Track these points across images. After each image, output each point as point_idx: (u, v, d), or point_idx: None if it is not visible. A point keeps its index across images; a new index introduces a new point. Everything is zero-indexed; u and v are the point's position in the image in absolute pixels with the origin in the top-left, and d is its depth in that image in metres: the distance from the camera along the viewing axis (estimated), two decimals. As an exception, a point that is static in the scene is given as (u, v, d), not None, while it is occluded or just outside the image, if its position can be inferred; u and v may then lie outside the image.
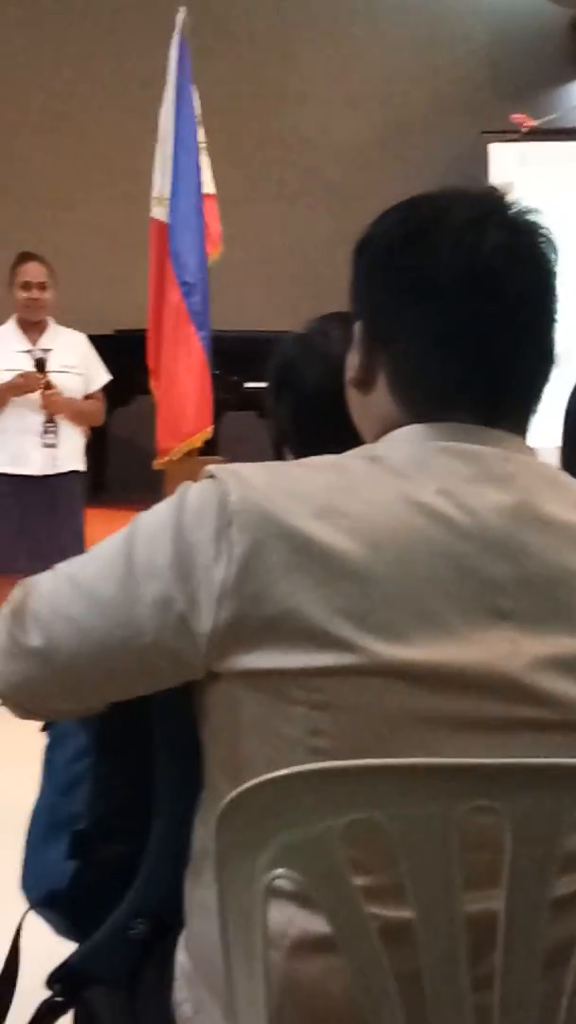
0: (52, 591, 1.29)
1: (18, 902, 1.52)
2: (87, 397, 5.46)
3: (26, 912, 1.50)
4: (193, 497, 1.22)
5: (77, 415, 5.37)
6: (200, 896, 1.26)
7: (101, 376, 5.54)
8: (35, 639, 1.27)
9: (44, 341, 5.35)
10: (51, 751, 1.54)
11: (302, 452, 1.36)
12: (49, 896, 1.46)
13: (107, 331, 8.01)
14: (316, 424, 1.50)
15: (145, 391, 6.72)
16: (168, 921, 1.35)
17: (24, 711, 1.35)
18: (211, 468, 1.24)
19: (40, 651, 1.27)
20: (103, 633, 1.23)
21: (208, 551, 1.18)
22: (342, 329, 1.44)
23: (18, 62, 9.42)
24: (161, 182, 6.55)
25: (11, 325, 5.40)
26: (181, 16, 6.52)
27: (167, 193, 6.46)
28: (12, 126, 9.42)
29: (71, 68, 9.47)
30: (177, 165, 6.44)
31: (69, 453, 5.35)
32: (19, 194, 9.26)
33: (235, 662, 1.18)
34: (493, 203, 1.29)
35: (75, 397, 5.36)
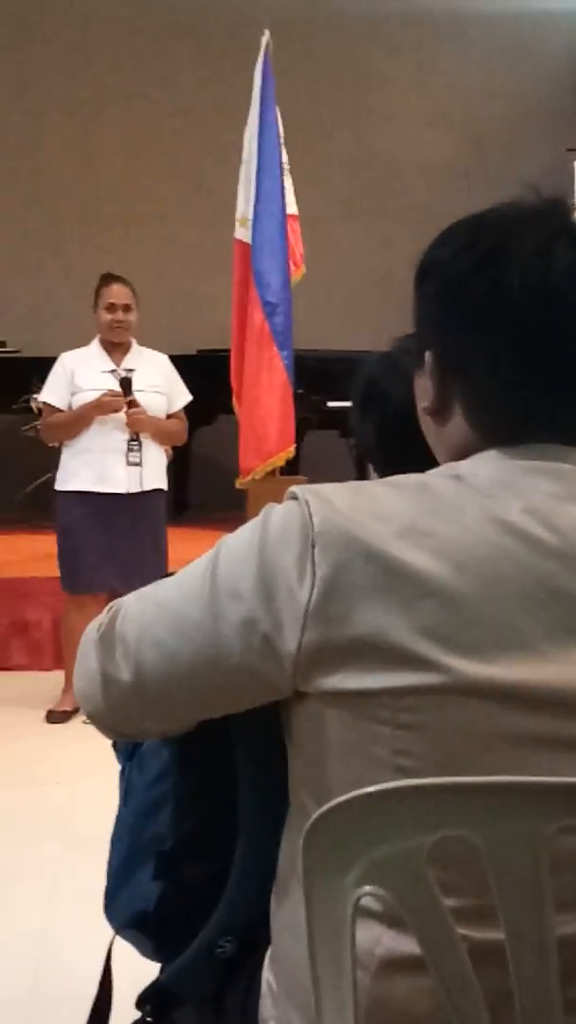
0: (139, 614, 1.29)
1: (103, 922, 1.52)
2: (169, 417, 5.49)
3: (115, 936, 1.50)
4: (276, 519, 1.22)
5: (160, 434, 5.41)
6: (287, 915, 1.26)
7: (183, 396, 5.58)
8: (123, 662, 1.28)
9: (128, 361, 5.40)
10: (130, 773, 1.54)
11: (387, 470, 1.36)
12: (136, 917, 1.46)
13: (190, 351, 8.07)
14: (401, 442, 1.49)
15: (228, 411, 6.75)
16: (255, 939, 1.35)
17: (114, 732, 1.36)
18: (294, 489, 1.24)
19: (128, 674, 1.27)
20: (189, 655, 1.24)
21: (292, 573, 1.18)
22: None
23: (104, 85, 9.53)
24: (245, 203, 6.59)
25: (95, 346, 5.45)
26: (265, 38, 6.57)
27: (250, 214, 6.50)
28: (98, 149, 9.53)
29: (156, 92, 9.56)
30: (260, 186, 6.47)
31: (153, 472, 5.39)
32: (104, 216, 9.37)
33: (320, 683, 1.18)
34: (558, 222, 1.27)
35: (157, 416, 5.40)
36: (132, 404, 5.26)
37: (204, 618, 1.23)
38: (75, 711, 5.37)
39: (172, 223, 9.42)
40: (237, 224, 6.65)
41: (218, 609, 1.22)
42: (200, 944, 1.41)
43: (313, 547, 1.18)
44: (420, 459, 1.29)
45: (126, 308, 5.38)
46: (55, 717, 5.41)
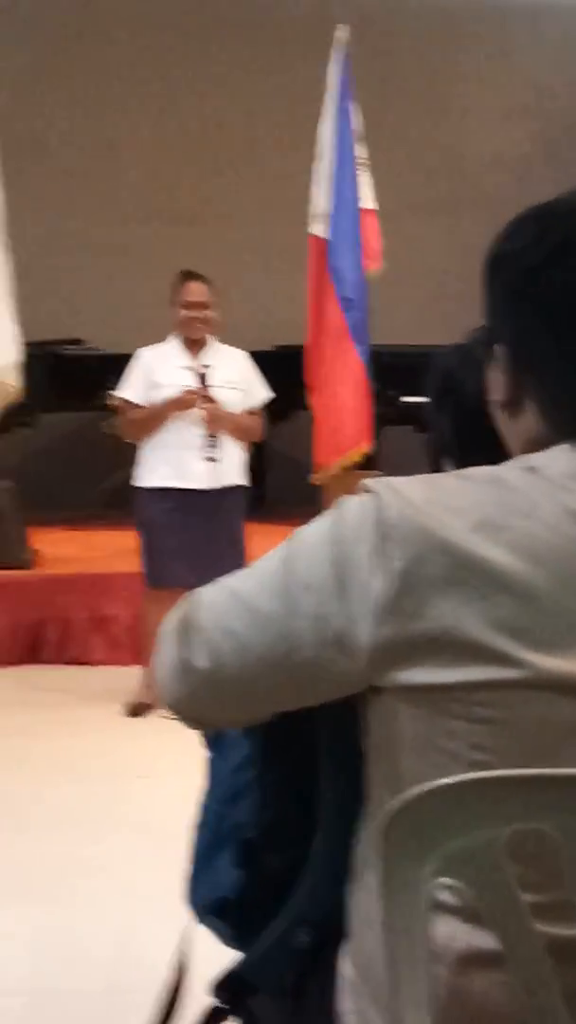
0: (214, 604, 1.30)
1: (183, 914, 1.54)
2: (247, 413, 5.51)
3: (191, 923, 1.51)
4: (351, 512, 1.22)
5: (237, 430, 5.43)
6: (364, 907, 1.26)
7: (261, 393, 5.59)
8: (199, 652, 1.29)
9: (205, 358, 5.42)
10: (214, 763, 1.55)
11: (463, 462, 1.36)
12: (217, 904, 1.48)
13: (267, 347, 8.08)
14: (477, 434, 1.48)
15: (304, 406, 6.76)
16: (333, 931, 1.35)
17: (193, 722, 1.38)
18: (368, 482, 1.24)
19: (204, 662, 1.28)
20: (264, 647, 1.24)
21: (366, 566, 1.18)
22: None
23: (178, 83, 9.58)
24: (321, 199, 6.60)
25: (174, 342, 5.49)
26: (341, 33, 6.57)
27: (327, 210, 6.51)
28: (173, 147, 9.58)
29: (232, 88, 9.59)
30: (336, 181, 6.47)
31: (230, 467, 5.41)
32: (180, 214, 9.41)
33: (395, 677, 1.18)
34: None
35: (235, 412, 5.42)
36: (208, 400, 5.29)
37: (277, 610, 1.23)
38: (153, 704, 5.42)
39: (248, 220, 9.43)
40: (313, 220, 6.65)
41: (291, 601, 1.22)
42: (276, 935, 1.41)
43: (387, 540, 1.17)
44: (496, 452, 1.29)
45: (203, 305, 5.40)
46: (135, 710, 5.45)
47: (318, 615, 1.20)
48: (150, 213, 9.39)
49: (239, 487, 5.48)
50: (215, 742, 1.54)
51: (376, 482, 1.23)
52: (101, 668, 6.20)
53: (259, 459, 8.07)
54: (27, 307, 7.06)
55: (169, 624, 1.34)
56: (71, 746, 5.12)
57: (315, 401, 6.56)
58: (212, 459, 5.31)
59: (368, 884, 1.23)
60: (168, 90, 9.60)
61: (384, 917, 1.10)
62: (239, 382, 5.46)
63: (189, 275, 5.49)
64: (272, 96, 9.47)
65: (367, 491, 1.23)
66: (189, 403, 5.26)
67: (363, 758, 1.29)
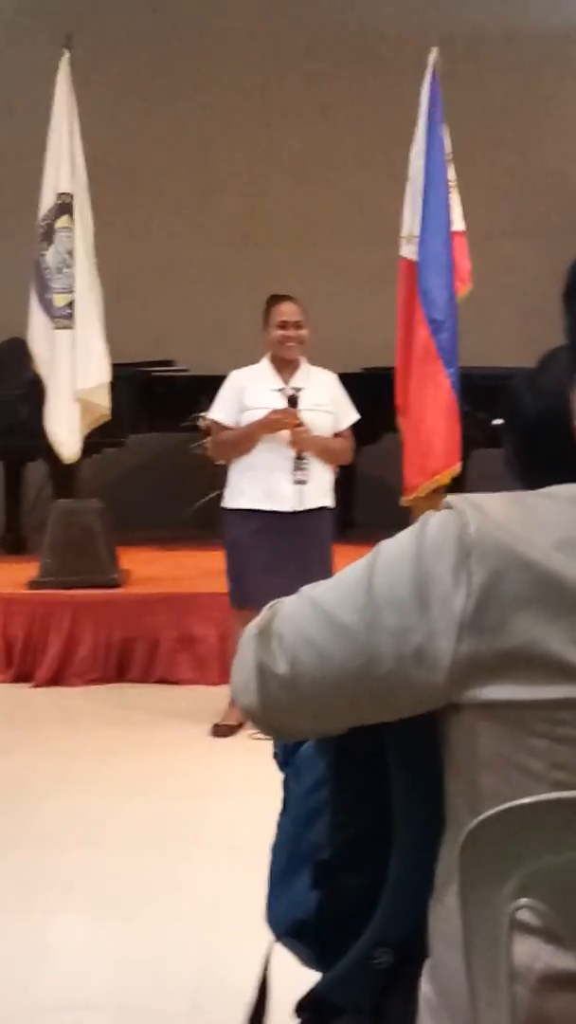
0: (296, 613, 1.30)
1: (266, 933, 1.54)
2: (336, 435, 5.50)
3: (273, 943, 1.51)
4: (433, 528, 1.22)
5: (325, 452, 5.43)
6: (444, 925, 1.25)
7: (350, 415, 5.58)
8: (279, 661, 1.29)
9: (296, 380, 5.43)
10: (289, 783, 1.55)
11: (523, 483, 1.36)
12: (295, 926, 1.47)
13: (355, 369, 8.08)
14: (533, 456, 1.48)
15: (393, 429, 6.75)
16: (412, 950, 1.34)
17: (271, 730, 1.38)
18: (450, 498, 1.24)
19: (283, 670, 1.29)
20: (343, 659, 1.24)
21: (447, 582, 1.18)
22: (562, 361, 1.41)
23: (270, 107, 9.64)
24: (411, 221, 6.61)
25: (264, 364, 5.50)
26: (433, 56, 6.58)
27: (416, 231, 6.51)
28: (263, 170, 9.64)
29: (322, 111, 9.63)
30: (427, 203, 6.48)
31: (319, 489, 5.41)
32: (269, 236, 9.46)
33: (475, 694, 1.17)
34: None
35: (324, 435, 5.43)
36: (295, 403, 5.29)
37: (358, 623, 1.23)
38: (240, 725, 5.43)
39: (338, 242, 9.46)
40: (403, 242, 6.66)
41: (372, 615, 1.22)
42: (356, 955, 1.41)
43: (469, 557, 1.17)
44: (551, 473, 1.28)
45: (297, 325, 5.42)
46: (221, 731, 5.47)
47: (399, 630, 1.20)
48: (241, 236, 9.45)
49: (327, 509, 5.47)
50: (289, 762, 1.54)
51: (457, 498, 1.23)
52: (188, 687, 6.23)
53: (348, 481, 8.08)
54: (119, 329, 7.16)
55: (250, 631, 1.35)
56: (157, 764, 5.15)
57: (404, 423, 6.56)
58: (301, 481, 5.31)
59: (448, 903, 1.22)
60: (260, 115, 9.67)
61: (464, 936, 1.09)
62: (329, 404, 5.46)
63: (281, 297, 5.51)
64: (363, 119, 9.50)
65: (449, 507, 1.23)
66: (278, 425, 5.27)
67: (441, 776, 1.28)
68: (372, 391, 7.00)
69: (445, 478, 6.36)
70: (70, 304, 6.65)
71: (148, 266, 9.35)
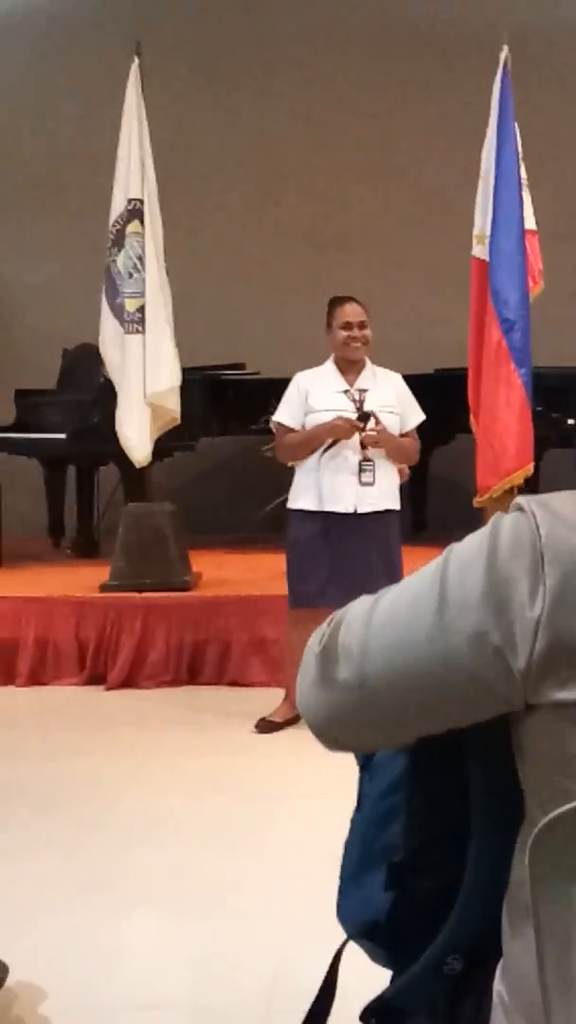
0: (364, 624, 1.29)
1: (338, 935, 1.52)
2: (402, 435, 5.48)
3: (345, 941, 1.50)
4: (505, 530, 1.21)
5: (396, 450, 5.41)
6: (517, 926, 1.23)
7: (416, 416, 5.56)
8: (347, 673, 1.27)
9: (361, 381, 5.41)
10: (365, 783, 1.54)
11: None
12: (368, 926, 1.46)
13: (427, 370, 8.05)
14: None
15: (466, 429, 6.72)
16: (485, 953, 1.32)
17: (336, 744, 1.36)
18: (520, 500, 1.23)
19: (352, 683, 1.27)
20: (417, 667, 1.23)
21: (523, 585, 1.16)
22: None
23: (341, 107, 9.63)
24: (482, 220, 6.57)
25: (329, 366, 5.49)
26: (504, 54, 6.54)
27: (488, 231, 6.47)
28: (333, 171, 9.63)
29: (392, 110, 9.61)
30: (498, 202, 6.43)
31: (384, 492, 5.38)
32: (339, 237, 9.46)
33: (551, 694, 1.16)
34: None
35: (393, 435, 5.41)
36: (365, 417, 5.26)
37: (432, 629, 1.21)
38: (285, 723, 5.47)
39: (409, 243, 9.43)
40: (474, 241, 6.62)
41: (447, 620, 1.20)
42: (427, 961, 1.39)
43: (541, 558, 1.16)
44: None
45: (361, 325, 5.41)
46: (264, 726, 5.48)
47: (475, 633, 1.18)
48: (311, 238, 9.46)
49: (394, 512, 5.45)
50: (366, 764, 1.52)
51: (527, 500, 1.22)
52: (259, 690, 6.23)
53: (420, 483, 8.07)
54: (189, 333, 7.19)
55: (312, 646, 1.33)
56: (228, 766, 5.16)
57: (477, 424, 6.52)
58: (367, 483, 5.30)
59: (522, 902, 1.20)
60: (329, 115, 9.67)
61: (536, 935, 1.08)
62: (395, 405, 5.44)
63: (344, 298, 5.50)
64: (433, 117, 9.47)
65: (519, 509, 1.22)
66: (345, 434, 5.25)
67: (516, 777, 1.26)
68: (444, 392, 6.97)
69: (518, 478, 6.31)
70: (141, 309, 6.68)
71: (218, 269, 9.39)
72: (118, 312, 6.76)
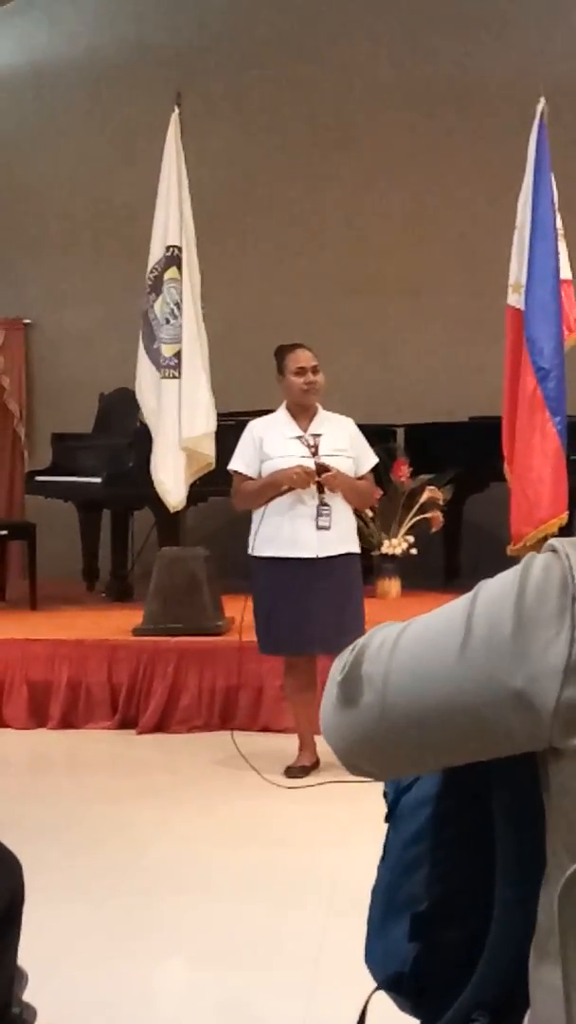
0: (388, 655, 1.28)
1: (368, 983, 1.52)
2: (358, 479, 5.51)
3: (374, 990, 1.49)
4: (537, 571, 1.20)
5: (353, 493, 5.43)
6: (545, 976, 1.22)
7: (371, 459, 5.58)
8: (368, 699, 1.27)
9: (314, 426, 5.46)
10: (389, 833, 1.53)
11: None
12: (393, 979, 1.45)
13: (462, 418, 8.06)
14: None
15: (500, 477, 6.71)
16: (513, 1004, 1.31)
17: (358, 769, 1.36)
18: (553, 542, 1.23)
19: (374, 711, 1.26)
20: (438, 699, 1.22)
21: (551, 627, 1.16)
22: None
23: (380, 157, 9.70)
24: (518, 269, 6.60)
25: (281, 412, 5.54)
26: (541, 106, 6.59)
27: (523, 280, 6.49)
28: (370, 220, 9.70)
29: (431, 159, 9.67)
30: (534, 252, 6.46)
31: (343, 535, 5.42)
32: (376, 286, 9.50)
33: None
34: None
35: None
36: (323, 469, 5.29)
37: (456, 664, 1.21)
38: (313, 766, 5.48)
39: (445, 292, 9.47)
40: (510, 290, 6.65)
41: (470, 657, 1.20)
42: (454, 1016, 1.38)
43: (573, 602, 1.15)
44: None
45: (315, 370, 5.44)
46: (293, 773, 5.47)
47: (499, 672, 1.18)
48: (348, 285, 9.51)
49: (353, 554, 5.48)
50: (390, 812, 1.52)
51: (561, 542, 1.22)
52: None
53: (454, 530, 8.06)
54: (225, 379, 7.23)
55: (338, 667, 1.33)
56: (260, 812, 5.14)
57: (511, 472, 6.51)
58: (323, 527, 5.33)
59: (551, 952, 1.19)
60: (367, 165, 9.75)
61: (564, 986, 1.07)
62: (348, 449, 5.48)
63: (295, 345, 5.54)
64: (470, 168, 9.53)
65: (552, 550, 1.21)
66: (303, 485, 5.28)
67: (542, 825, 1.26)
68: (479, 440, 6.98)
69: (552, 527, 6.29)
70: (177, 354, 6.73)
71: (254, 316, 9.44)
72: (155, 357, 6.80)
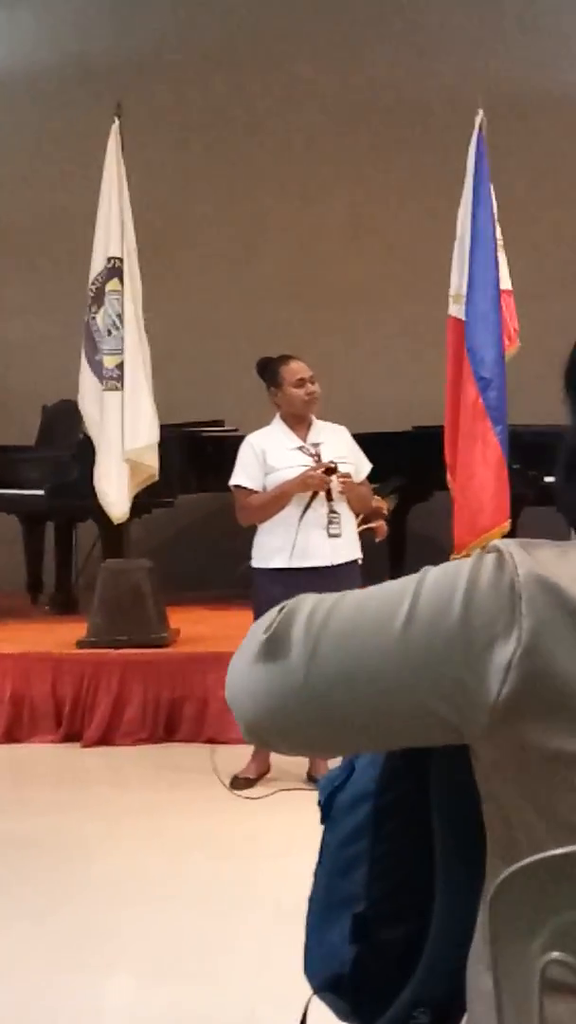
0: (322, 619, 1.24)
1: (304, 987, 1.52)
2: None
3: (311, 997, 1.49)
4: (489, 566, 1.20)
5: (359, 499, 5.45)
6: (479, 983, 1.23)
7: (367, 465, 5.61)
8: (294, 663, 1.23)
9: (313, 436, 5.45)
10: (326, 834, 1.52)
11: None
12: (332, 980, 1.44)
13: (405, 427, 8.10)
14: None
15: (443, 487, 6.74)
16: (453, 1007, 1.32)
17: (263, 740, 1.33)
18: (497, 543, 1.23)
19: (298, 676, 1.23)
20: (369, 675, 1.21)
21: (497, 623, 1.16)
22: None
23: (322, 168, 9.73)
24: (458, 280, 6.64)
25: (278, 424, 5.51)
26: (479, 117, 6.64)
27: (464, 290, 6.53)
28: (312, 231, 9.71)
29: (373, 171, 9.70)
30: (474, 262, 6.51)
31: (350, 541, 5.42)
32: (318, 296, 9.51)
33: (516, 740, 1.16)
34: None
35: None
36: (331, 471, 5.29)
37: (395, 643, 1.20)
38: (258, 778, 5.49)
39: (386, 302, 9.49)
40: (451, 301, 6.68)
41: (411, 638, 1.19)
42: (394, 1015, 1.38)
43: (519, 600, 1.16)
44: None
45: (313, 380, 5.45)
46: (238, 783, 5.44)
47: (438, 660, 1.18)
48: (290, 296, 9.52)
49: (356, 561, 5.48)
50: (326, 811, 1.51)
51: (506, 542, 1.23)
52: (237, 747, 6.19)
53: (398, 539, 8.08)
54: (168, 390, 7.22)
55: (262, 626, 1.28)
56: (204, 824, 5.13)
57: (453, 481, 6.55)
58: (335, 535, 5.33)
59: (484, 959, 1.20)
60: (307, 175, 9.77)
61: (496, 993, 1.07)
62: (348, 456, 5.48)
63: (288, 356, 5.53)
64: (410, 179, 9.57)
65: (496, 551, 1.22)
66: (319, 485, 5.27)
67: (480, 827, 1.26)
68: (421, 449, 7.01)
69: (494, 535, 6.31)
70: (119, 366, 6.72)
71: (196, 327, 9.44)
72: (97, 369, 6.79)
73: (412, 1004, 1.36)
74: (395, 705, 1.21)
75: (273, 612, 1.28)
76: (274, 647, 1.24)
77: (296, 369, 5.44)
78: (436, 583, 1.22)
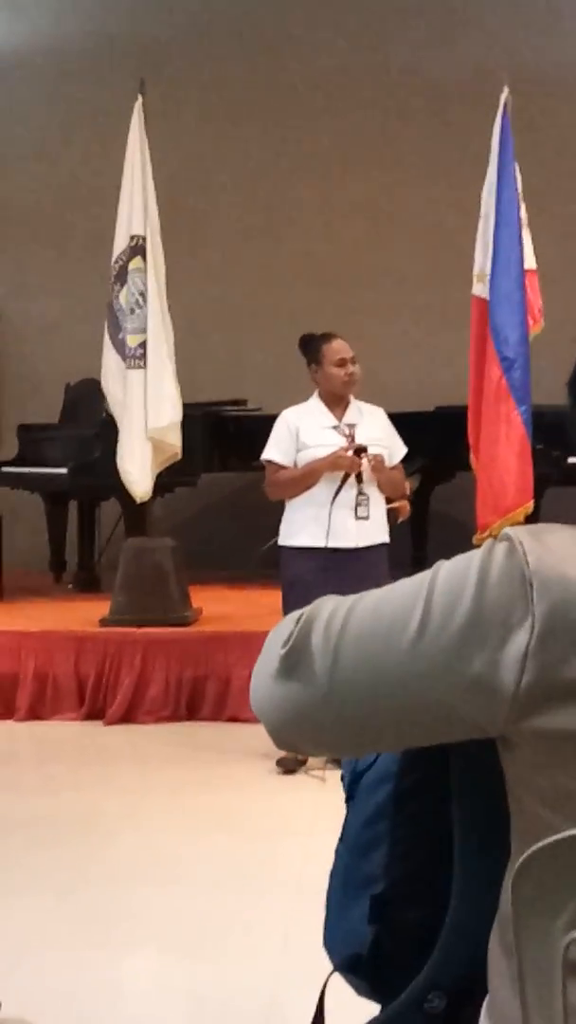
0: (339, 626, 1.26)
1: (325, 965, 1.51)
2: (391, 469, 5.50)
3: (331, 973, 1.49)
4: (499, 558, 1.20)
5: (391, 484, 5.43)
6: (502, 963, 1.22)
7: (402, 449, 5.59)
8: (315, 673, 1.24)
9: (349, 416, 5.44)
10: (349, 812, 1.52)
11: None
12: (350, 960, 1.44)
13: (428, 408, 8.07)
14: None
15: (466, 467, 6.72)
16: (471, 989, 1.31)
17: (290, 745, 1.34)
18: (507, 531, 1.22)
19: (320, 686, 1.24)
20: (389, 679, 1.21)
21: (511, 612, 1.16)
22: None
23: (344, 148, 9.69)
24: (482, 259, 6.60)
25: (315, 402, 5.50)
26: (504, 95, 6.59)
27: (488, 270, 6.50)
28: (336, 210, 9.68)
29: (396, 150, 9.67)
30: (498, 241, 6.47)
31: (378, 524, 5.41)
32: (342, 276, 9.49)
33: (535, 726, 1.15)
34: None
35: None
36: (361, 452, 5.27)
37: (411, 645, 1.20)
38: (305, 760, 5.43)
39: (411, 282, 9.46)
40: (475, 280, 6.65)
41: (427, 639, 1.19)
42: (409, 998, 1.37)
43: (531, 589, 1.15)
44: None
45: (354, 360, 5.43)
46: (288, 764, 5.43)
47: (455, 658, 1.17)
48: (313, 275, 9.49)
49: (385, 545, 5.46)
50: (351, 792, 1.51)
51: (516, 530, 1.22)
52: (258, 726, 6.19)
53: (420, 519, 8.06)
54: (191, 369, 7.21)
55: (281, 636, 1.29)
56: (227, 802, 5.14)
57: (476, 461, 6.52)
58: (363, 517, 5.31)
59: (507, 939, 1.19)
60: (332, 153, 9.72)
61: (519, 973, 1.07)
62: (383, 439, 5.46)
63: (331, 335, 5.51)
64: (435, 157, 9.52)
65: (507, 539, 1.21)
66: (351, 465, 5.25)
67: (503, 813, 1.25)
68: (445, 429, 6.99)
69: (518, 516, 6.30)
70: (142, 344, 6.71)
71: (220, 306, 9.43)
72: (120, 347, 6.78)
73: (427, 987, 1.35)
74: (419, 708, 1.21)
75: (290, 622, 1.29)
76: (295, 660, 1.26)
77: (338, 348, 5.43)
78: (447, 581, 1.22)
